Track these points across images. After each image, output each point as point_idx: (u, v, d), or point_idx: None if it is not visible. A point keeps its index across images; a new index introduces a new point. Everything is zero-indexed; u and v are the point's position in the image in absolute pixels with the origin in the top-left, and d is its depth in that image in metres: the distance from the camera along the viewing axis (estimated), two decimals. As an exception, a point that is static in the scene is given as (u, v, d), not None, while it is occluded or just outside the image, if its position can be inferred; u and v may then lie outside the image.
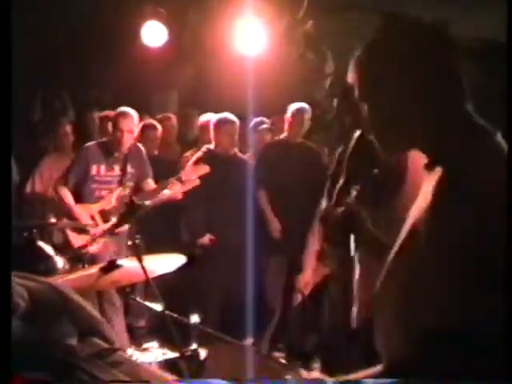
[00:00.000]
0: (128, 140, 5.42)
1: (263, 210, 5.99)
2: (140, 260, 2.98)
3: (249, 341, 5.88)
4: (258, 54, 6.83)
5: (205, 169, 5.26)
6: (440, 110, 1.62)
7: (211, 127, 5.97)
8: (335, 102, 8.30)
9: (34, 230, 2.94)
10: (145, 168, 5.59)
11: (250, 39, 6.76)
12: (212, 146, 5.95)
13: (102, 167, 5.46)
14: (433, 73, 1.61)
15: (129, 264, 3.19)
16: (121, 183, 5.47)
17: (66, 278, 3.16)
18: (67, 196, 5.42)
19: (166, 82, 7.89)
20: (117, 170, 5.48)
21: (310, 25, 7.22)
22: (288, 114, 6.06)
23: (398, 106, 1.63)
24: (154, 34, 6.99)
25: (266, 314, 6.07)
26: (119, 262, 3.21)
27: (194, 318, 3.38)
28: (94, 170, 5.44)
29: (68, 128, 6.65)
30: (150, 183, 5.55)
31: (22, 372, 1.22)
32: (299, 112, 6.04)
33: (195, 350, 3.06)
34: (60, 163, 6.47)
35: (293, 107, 6.07)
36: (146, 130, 6.35)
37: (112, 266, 3.17)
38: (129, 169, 5.50)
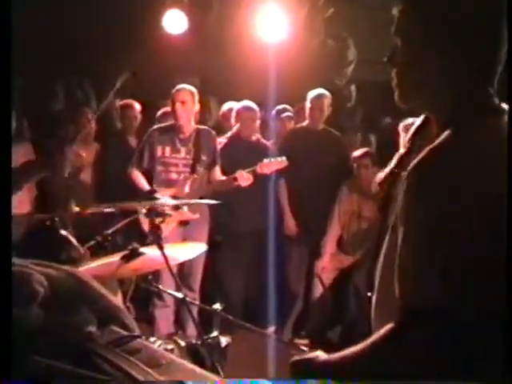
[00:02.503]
0: (182, 111, 5.33)
1: (281, 204, 5.99)
2: (161, 248, 3.00)
3: (271, 328, 5.90)
4: (280, 41, 6.80)
5: (283, 163, 5.29)
6: (466, 79, 1.60)
7: (233, 114, 5.99)
8: (353, 88, 8.28)
9: (56, 219, 2.96)
10: (214, 155, 5.53)
11: (272, 27, 6.74)
12: (234, 133, 5.97)
13: (167, 149, 5.40)
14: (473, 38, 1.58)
15: (150, 252, 3.20)
16: (194, 169, 5.40)
17: (87, 266, 3.18)
18: (141, 180, 5.38)
19: (188, 70, 7.88)
20: (183, 152, 5.42)
21: (330, 12, 7.19)
22: (307, 101, 6.03)
23: (429, 53, 1.61)
24: (175, 22, 6.98)
25: (288, 302, 6.08)
26: (141, 249, 3.22)
27: (216, 306, 3.35)
28: (159, 151, 5.40)
29: (90, 117, 6.65)
30: (217, 172, 5.51)
31: (41, 359, 1.23)
32: (318, 98, 5.99)
33: (216, 338, 3.07)
34: (82, 151, 6.51)
35: (312, 94, 6.03)
36: (166, 117, 6.35)
37: (134, 253, 3.19)
38: (201, 155, 5.43)
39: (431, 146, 1.53)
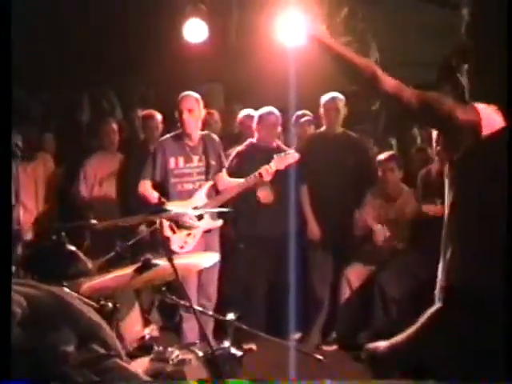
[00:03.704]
0: (190, 120, 5.30)
1: (303, 210, 5.97)
2: (170, 259, 2.99)
3: (296, 335, 5.87)
4: (300, 45, 6.77)
5: (294, 156, 5.32)
6: None
7: (254, 121, 5.97)
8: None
9: (63, 233, 2.98)
10: (221, 160, 5.52)
11: (293, 32, 6.70)
12: (255, 140, 5.96)
13: (181, 159, 5.36)
14: None
15: (163, 263, 3.20)
16: (207, 176, 5.40)
17: (101, 279, 3.20)
18: (153, 196, 5.25)
19: (211, 79, 7.92)
20: (195, 160, 5.39)
21: (345, 12, 7.14)
22: (321, 106, 6.01)
23: (498, 53, 1.60)
24: (196, 31, 6.99)
25: (313, 308, 6.05)
26: (154, 261, 3.22)
27: (230, 316, 3.33)
28: (172, 163, 5.35)
29: (114, 126, 6.71)
30: (224, 175, 5.50)
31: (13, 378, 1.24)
32: (332, 101, 5.96)
33: (227, 348, 3.05)
34: (105, 161, 6.58)
35: (324, 98, 6.00)
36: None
37: (147, 265, 3.19)
38: (211, 161, 5.41)
39: (478, 140, 1.54)
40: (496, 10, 1.62)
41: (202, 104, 5.40)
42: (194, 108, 5.32)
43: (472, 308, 1.47)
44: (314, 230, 5.96)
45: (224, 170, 5.53)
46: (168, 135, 5.55)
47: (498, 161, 1.49)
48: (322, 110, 6.02)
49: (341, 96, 6.00)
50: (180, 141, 5.41)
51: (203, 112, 5.44)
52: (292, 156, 5.36)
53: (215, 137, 5.61)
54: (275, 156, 5.31)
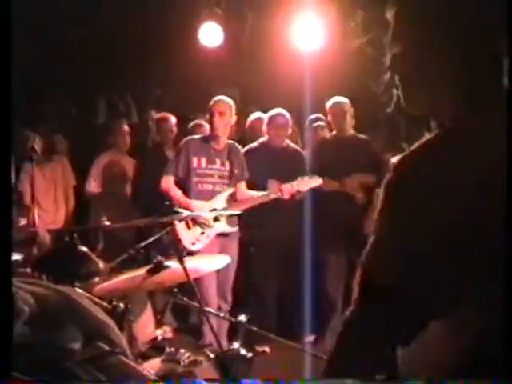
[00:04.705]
0: (220, 123, 5.37)
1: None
2: (181, 261, 3.03)
3: (310, 337, 5.89)
4: (316, 49, 6.80)
5: (317, 181, 5.40)
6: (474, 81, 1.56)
7: (264, 122, 6.04)
8: (394, 93, 8.19)
9: (75, 235, 3.02)
10: (243, 170, 5.60)
11: (307, 35, 6.74)
12: (265, 139, 6.03)
13: (203, 160, 5.44)
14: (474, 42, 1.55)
15: (174, 265, 3.23)
16: (230, 182, 5.48)
17: (113, 281, 3.24)
18: (176, 193, 5.38)
19: (225, 82, 7.95)
20: (218, 163, 5.47)
21: (360, 15, 7.14)
22: (327, 112, 6.08)
23: (429, 55, 1.58)
24: (211, 35, 7.05)
25: (328, 310, 6.05)
26: (166, 263, 3.26)
27: (241, 318, 3.36)
28: (195, 162, 5.43)
29: (126, 127, 6.77)
30: (242, 186, 5.58)
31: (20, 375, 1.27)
32: (335, 106, 6.02)
33: (236, 350, 3.08)
34: (117, 162, 6.63)
35: (329, 104, 6.05)
36: (197, 129, 6.41)
37: (159, 267, 3.23)
38: (234, 169, 5.50)
39: (419, 143, 1.54)
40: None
41: (234, 110, 5.47)
42: (225, 112, 5.40)
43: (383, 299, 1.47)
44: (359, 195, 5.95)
45: (244, 182, 5.59)
46: (196, 136, 5.66)
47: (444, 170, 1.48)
48: (328, 116, 6.09)
49: (344, 99, 6.04)
50: (206, 143, 5.50)
51: (234, 118, 5.51)
52: (315, 181, 5.42)
53: (240, 147, 5.70)
54: (299, 178, 5.39)
